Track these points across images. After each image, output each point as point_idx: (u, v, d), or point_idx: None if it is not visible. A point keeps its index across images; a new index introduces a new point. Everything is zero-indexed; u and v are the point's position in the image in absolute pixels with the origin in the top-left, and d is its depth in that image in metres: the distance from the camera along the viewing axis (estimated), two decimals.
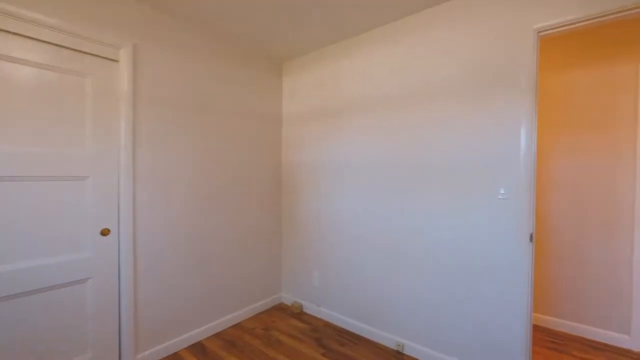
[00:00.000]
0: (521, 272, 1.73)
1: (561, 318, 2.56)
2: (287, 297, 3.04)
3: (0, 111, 1.53)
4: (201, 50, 2.36)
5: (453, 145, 1.98)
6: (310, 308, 2.84)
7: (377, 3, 2.02)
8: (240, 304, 2.72)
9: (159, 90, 2.10)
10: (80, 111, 1.78)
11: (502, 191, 1.78)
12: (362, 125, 2.44)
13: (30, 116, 1.61)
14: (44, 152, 1.66)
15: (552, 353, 2.24)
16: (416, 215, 2.15)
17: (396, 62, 2.24)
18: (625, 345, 2.30)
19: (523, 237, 1.72)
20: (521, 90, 1.72)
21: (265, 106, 2.91)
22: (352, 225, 2.52)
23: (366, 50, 2.41)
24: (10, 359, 1.56)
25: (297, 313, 2.85)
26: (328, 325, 2.64)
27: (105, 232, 1.86)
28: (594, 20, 1.56)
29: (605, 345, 2.34)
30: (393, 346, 2.27)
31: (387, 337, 2.31)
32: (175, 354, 2.20)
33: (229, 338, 2.42)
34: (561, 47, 2.55)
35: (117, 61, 1.91)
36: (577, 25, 1.60)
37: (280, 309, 2.94)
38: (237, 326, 2.62)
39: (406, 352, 2.20)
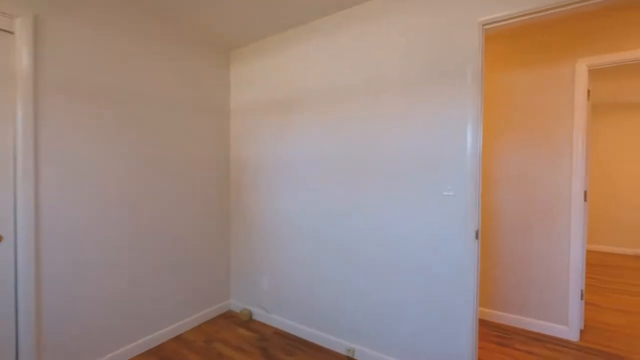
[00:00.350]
0: (468, 270, 1.69)
1: (506, 312, 2.62)
2: (236, 304, 2.82)
3: None
4: (133, 30, 2.07)
5: (402, 141, 1.91)
6: (260, 315, 2.65)
7: None
8: (182, 314, 2.46)
9: (71, 72, 1.79)
10: None
11: (449, 188, 1.74)
12: (314, 119, 2.30)
13: None
14: None
15: (497, 347, 2.26)
16: (368, 214, 2.05)
17: (348, 53, 2.13)
18: (564, 336, 2.39)
19: (469, 235, 1.68)
20: (467, 86, 1.68)
21: (211, 97, 2.67)
22: (304, 225, 2.37)
23: (318, 39, 2.28)
24: None
25: (245, 321, 2.65)
26: (277, 332, 2.47)
27: None
28: (538, 14, 1.55)
29: (546, 336, 2.42)
30: (343, 352, 2.16)
31: (337, 343, 2.19)
32: None
33: (164, 354, 2.16)
34: (504, 49, 2.61)
35: (12, 33, 1.58)
36: (522, 18, 1.58)
37: (228, 317, 2.71)
38: (178, 339, 2.36)
39: (357, 357, 2.10)
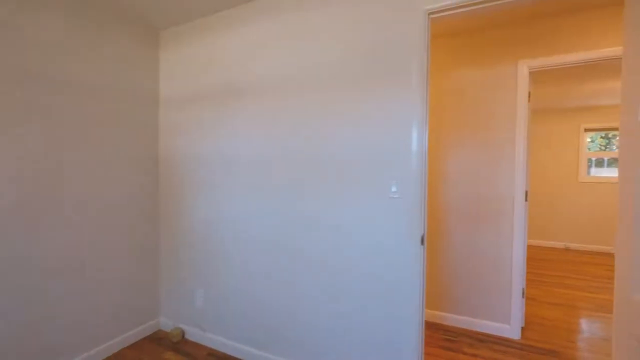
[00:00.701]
0: (413, 278, 1.56)
1: (456, 313, 2.59)
2: (167, 323, 2.47)
3: None
4: (39, 3, 1.64)
5: (348, 138, 1.74)
6: (194, 334, 2.33)
7: None
8: (98, 339, 2.06)
9: None
10: None
11: (393, 189, 1.60)
12: (257, 112, 2.04)
13: None
14: None
15: (444, 353, 2.20)
16: (314, 218, 1.85)
17: (291, 39, 1.91)
18: (507, 335, 2.41)
19: (414, 239, 1.55)
20: (412, 79, 1.55)
21: (135, 83, 2.28)
22: (245, 230, 2.10)
23: (260, 22, 2.02)
24: None
25: (176, 342, 2.31)
26: (213, 354, 2.17)
27: None
28: (486, 4, 1.46)
29: (491, 337, 2.42)
30: None
31: None
32: None
33: None
34: (450, 48, 2.58)
35: None
36: (470, 8, 1.48)
37: (156, 339, 2.35)
38: None
39: None
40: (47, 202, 1.81)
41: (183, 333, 2.36)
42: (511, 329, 2.40)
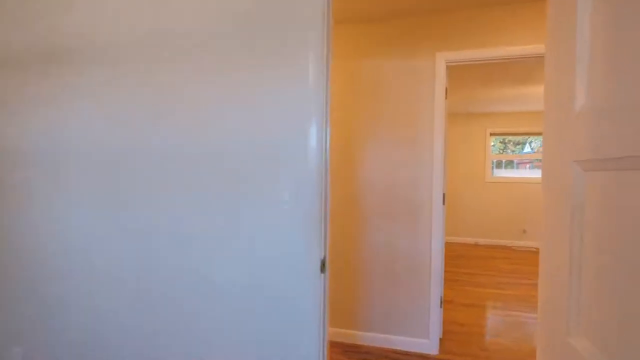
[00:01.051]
0: (310, 318, 1.16)
1: (371, 331, 2.33)
2: None
3: None
4: None
5: (230, 131, 1.26)
6: None
7: None
8: None
9: None
10: None
11: (286, 197, 1.18)
12: (102, 84, 1.41)
13: None
14: None
15: None
16: (190, 239, 1.32)
17: None
18: (425, 350, 2.23)
19: (312, 266, 1.16)
20: (308, 61, 1.15)
21: None
22: (88, 257, 1.45)
23: None
24: None
25: None
26: None
27: None
28: None
29: (409, 354, 2.21)
30: None
31: None
32: None
33: None
34: (365, 34, 2.30)
35: None
36: None
37: None
38: None
39: None
40: None
41: None
42: (430, 344, 2.22)
